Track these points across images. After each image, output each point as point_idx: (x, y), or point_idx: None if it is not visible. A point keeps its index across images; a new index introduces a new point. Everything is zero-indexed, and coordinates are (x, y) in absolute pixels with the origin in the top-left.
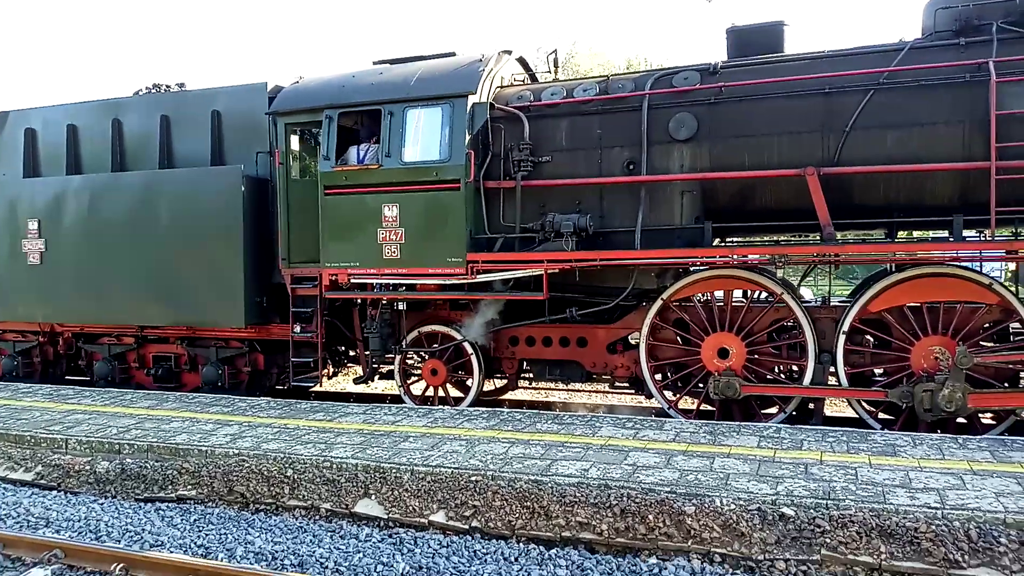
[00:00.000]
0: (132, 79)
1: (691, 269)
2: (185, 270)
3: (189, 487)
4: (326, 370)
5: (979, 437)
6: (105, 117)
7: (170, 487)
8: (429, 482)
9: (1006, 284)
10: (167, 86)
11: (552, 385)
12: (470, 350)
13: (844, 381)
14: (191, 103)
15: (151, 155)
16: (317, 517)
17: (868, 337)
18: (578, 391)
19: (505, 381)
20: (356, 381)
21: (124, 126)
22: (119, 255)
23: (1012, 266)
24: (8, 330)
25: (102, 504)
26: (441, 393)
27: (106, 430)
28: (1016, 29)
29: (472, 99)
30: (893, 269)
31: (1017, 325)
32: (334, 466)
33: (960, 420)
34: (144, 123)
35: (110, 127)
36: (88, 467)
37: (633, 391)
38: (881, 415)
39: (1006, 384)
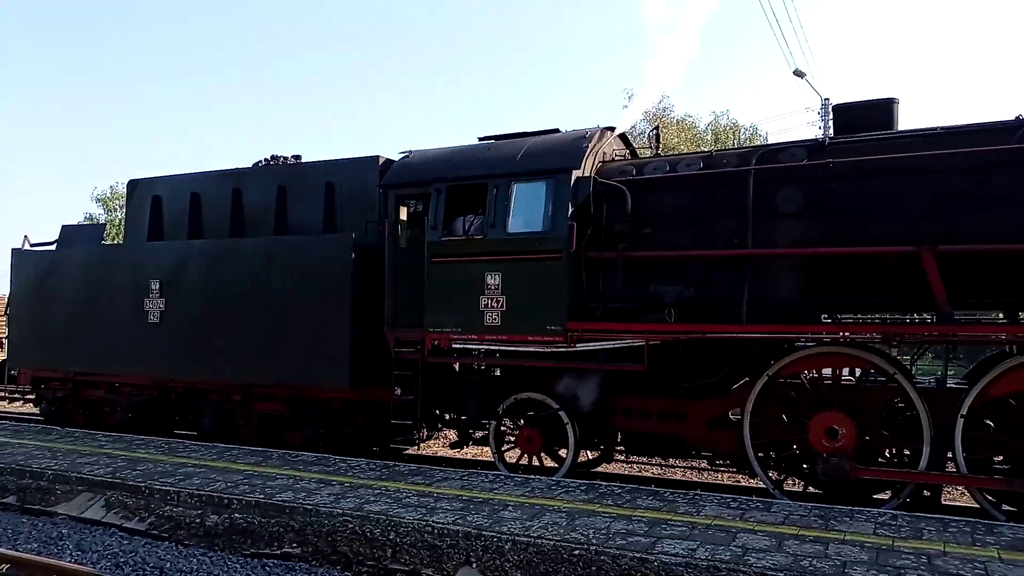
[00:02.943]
0: (252, 151)
1: (798, 345)
2: (294, 332)
3: (294, 545)
4: (422, 434)
5: None
6: (226, 186)
7: (276, 544)
8: (531, 553)
9: None
10: (284, 158)
11: (648, 460)
12: (566, 419)
13: (963, 468)
14: (306, 174)
15: (267, 222)
16: None
17: (988, 422)
18: (675, 467)
19: (599, 452)
20: (452, 446)
21: (243, 195)
22: (232, 316)
23: None
24: (125, 384)
25: (211, 558)
26: (535, 462)
27: (215, 484)
28: None
29: (575, 173)
30: (1014, 351)
31: None
32: (436, 531)
33: None
34: (262, 192)
35: (230, 195)
36: (198, 520)
37: (735, 469)
38: (1004, 506)
39: None
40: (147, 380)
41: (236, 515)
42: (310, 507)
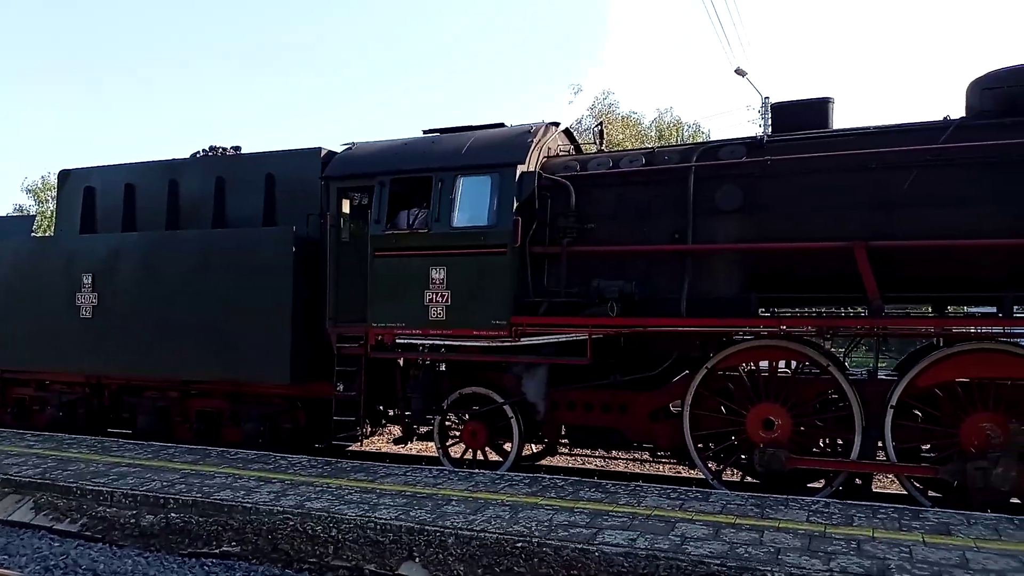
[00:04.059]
0: (190, 142)
1: (736, 338)
2: (233, 327)
3: (233, 544)
4: (365, 430)
5: None
6: (162, 178)
7: (214, 543)
8: (474, 547)
9: None
10: (223, 149)
11: (591, 452)
12: (510, 413)
13: (892, 456)
14: (246, 166)
15: (205, 215)
16: None
17: (916, 412)
18: (618, 459)
19: (544, 446)
20: (396, 442)
21: (180, 186)
22: (169, 311)
23: None
24: (56, 381)
25: (147, 558)
26: (480, 456)
27: (151, 484)
28: None
29: (520, 168)
30: (941, 344)
31: None
32: (379, 527)
33: (1014, 500)
34: (200, 184)
35: (166, 187)
36: (133, 520)
37: (675, 460)
38: (931, 492)
39: None
40: (79, 377)
41: (173, 514)
42: (249, 505)
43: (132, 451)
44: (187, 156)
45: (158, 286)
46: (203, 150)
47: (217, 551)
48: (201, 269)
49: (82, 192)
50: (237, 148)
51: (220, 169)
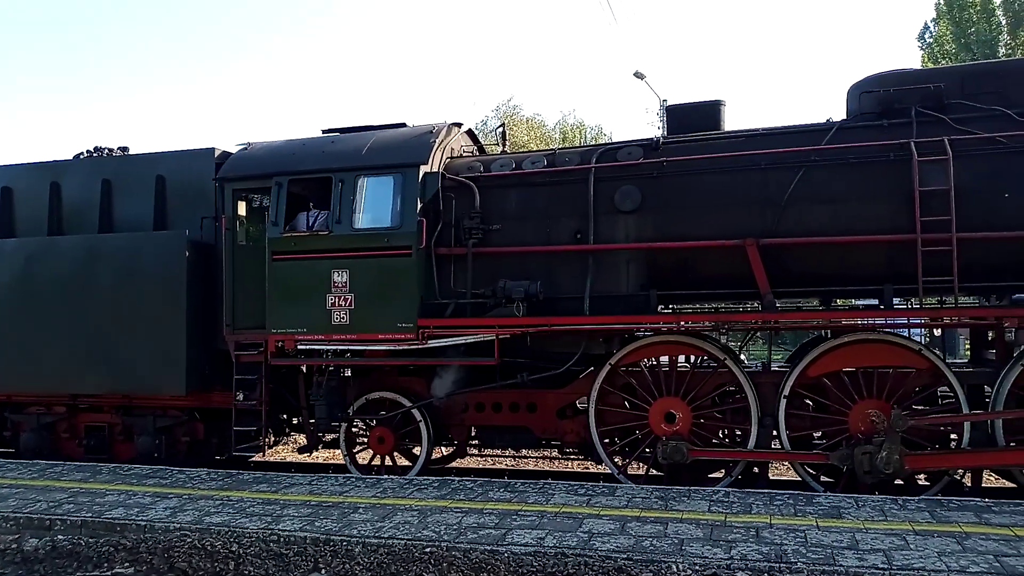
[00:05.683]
0: (73, 143)
1: (637, 335)
2: (124, 337)
3: (127, 564)
4: (268, 439)
5: (917, 498)
6: (43, 180)
7: (106, 565)
8: (382, 555)
9: (934, 349)
10: (110, 150)
11: (502, 452)
12: (419, 417)
13: (786, 444)
14: (134, 167)
15: (90, 219)
16: None
17: (808, 401)
18: (528, 457)
19: (454, 448)
20: (301, 451)
21: (63, 189)
22: (53, 321)
23: (938, 332)
24: None
25: None
26: (388, 462)
27: (35, 505)
28: (932, 112)
29: (424, 169)
30: (829, 335)
31: (945, 388)
32: (282, 540)
33: (898, 481)
34: (84, 187)
35: (47, 190)
36: (15, 545)
37: (583, 456)
38: (823, 477)
39: (938, 446)
40: None
41: (60, 537)
42: (143, 523)
43: (15, 471)
44: (70, 157)
45: (41, 295)
46: (87, 151)
47: (109, 573)
48: (87, 276)
49: None
50: (124, 149)
51: (106, 171)
